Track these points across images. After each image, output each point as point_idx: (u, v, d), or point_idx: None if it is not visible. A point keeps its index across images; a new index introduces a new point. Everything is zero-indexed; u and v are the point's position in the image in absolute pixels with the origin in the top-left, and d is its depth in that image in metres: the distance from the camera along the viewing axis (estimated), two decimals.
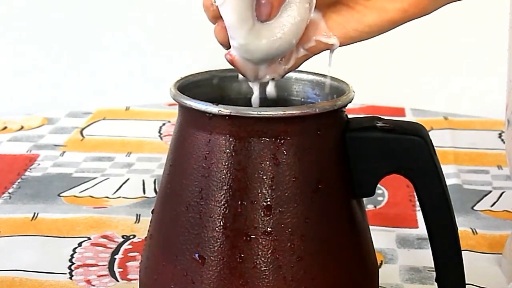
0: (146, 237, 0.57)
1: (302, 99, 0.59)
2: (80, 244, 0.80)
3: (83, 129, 1.13)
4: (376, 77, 1.30)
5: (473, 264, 0.75)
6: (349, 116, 0.55)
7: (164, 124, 1.15)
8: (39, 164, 1.00)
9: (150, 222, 0.57)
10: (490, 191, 0.92)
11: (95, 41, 1.33)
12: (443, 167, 0.55)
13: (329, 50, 0.54)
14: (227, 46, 0.53)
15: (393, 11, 0.52)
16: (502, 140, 1.08)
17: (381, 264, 0.76)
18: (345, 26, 0.53)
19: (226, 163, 0.51)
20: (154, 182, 0.95)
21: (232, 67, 0.58)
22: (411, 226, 0.84)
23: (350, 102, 0.54)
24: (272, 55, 0.52)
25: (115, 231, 0.82)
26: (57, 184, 0.94)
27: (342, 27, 0.53)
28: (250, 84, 0.55)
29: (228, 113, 0.51)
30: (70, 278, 0.74)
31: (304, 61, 0.55)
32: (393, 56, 1.30)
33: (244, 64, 0.53)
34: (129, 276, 0.74)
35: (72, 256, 0.78)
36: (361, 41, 0.54)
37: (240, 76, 0.55)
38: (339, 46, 0.54)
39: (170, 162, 0.55)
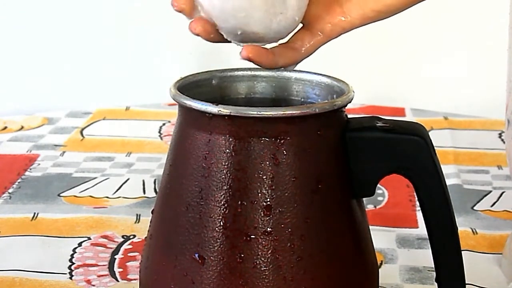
0: (146, 237, 0.57)
1: (302, 99, 0.59)
2: (80, 244, 0.80)
3: (83, 129, 1.13)
4: (376, 77, 1.30)
5: (473, 264, 0.76)
6: (349, 116, 0.55)
7: (164, 124, 1.15)
8: (39, 164, 1.00)
9: (150, 222, 0.57)
10: (490, 191, 0.92)
11: (95, 41, 1.33)
12: (443, 167, 0.55)
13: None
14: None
15: None
16: (502, 140, 1.08)
17: (381, 264, 0.76)
18: (362, 7, 0.54)
19: (226, 163, 0.51)
20: (154, 182, 0.95)
21: (231, 68, 0.58)
22: (411, 226, 0.84)
23: (350, 102, 0.54)
24: (274, 30, 0.52)
25: (115, 231, 0.83)
26: (57, 184, 0.94)
27: (359, 8, 0.54)
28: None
29: (228, 113, 0.51)
30: (70, 278, 0.74)
31: (321, 45, 0.55)
32: (393, 56, 1.30)
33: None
34: (129, 276, 0.74)
35: (72, 256, 0.78)
36: (378, 20, 0.54)
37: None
38: (357, 27, 0.54)
39: (170, 162, 0.55)
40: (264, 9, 0.51)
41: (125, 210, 0.87)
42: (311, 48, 0.54)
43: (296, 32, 0.55)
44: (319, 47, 0.55)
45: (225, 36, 0.54)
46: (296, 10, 0.52)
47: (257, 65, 0.53)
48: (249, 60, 0.53)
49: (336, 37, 0.54)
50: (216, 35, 0.54)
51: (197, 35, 0.53)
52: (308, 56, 0.55)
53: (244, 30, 0.52)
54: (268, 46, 0.55)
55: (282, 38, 0.54)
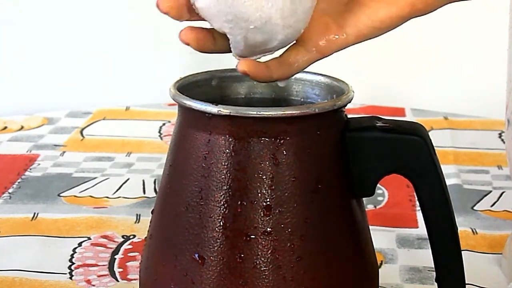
0: (146, 237, 0.57)
1: (302, 99, 0.59)
2: (80, 244, 0.80)
3: (83, 129, 1.13)
4: (376, 77, 1.30)
5: (473, 264, 0.75)
6: (349, 116, 0.55)
7: (164, 124, 1.15)
8: (39, 164, 1.00)
9: (150, 222, 0.57)
10: (490, 191, 0.92)
11: (95, 41, 1.33)
12: (443, 167, 0.55)
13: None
14: None
15: (402, 6, 0.53)
16: (502, 140, 1.08)
17: (381, 264, 0.76)
18: (357, 24, 0.54)
19: (226, 163, 0.51)
20: (154, 182, 0.95)
21: (231, 68, 0.58)
22: (411, 226, 0.84)
23: (349, 102, 0.54)
24: (279, 41, 0.52)
25: (115, 231, 0.83)
26: (57, 184, 0.94)
27: (354, 25, 0.54)
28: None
29: (228, 113, 0.51)
30: (70, 278, 0.74)
31: (314, 62, 0.55)
32: (393, 56, 1.30)
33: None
34: (129, 276, 0.74)
35: (72, 256, 0.78)
36: (372, 38, 0.54)
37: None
38: (352, 44, 0.54)
39: (169, 162, 0.55)
40: (281, 23, 0.51)
41: (125, 210, 0.87)
42: (304, 64, 0.54)
43: (290, 47, 0.54)
44: (312, 63, 0.54)
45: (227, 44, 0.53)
46: (303, 24, 0.52)
47: (253, 79, 0.53)
48: (245, 74, 0.52)
49: (329, 55, 0.54)
50: (209, 44, 0.53)
51: (187, 44, 0.52)
52: (300, 71, 0.55)
53: (251, 38, 0.52)
54: (263, 59, 0.55)
55: (281, 48, 0.54)
